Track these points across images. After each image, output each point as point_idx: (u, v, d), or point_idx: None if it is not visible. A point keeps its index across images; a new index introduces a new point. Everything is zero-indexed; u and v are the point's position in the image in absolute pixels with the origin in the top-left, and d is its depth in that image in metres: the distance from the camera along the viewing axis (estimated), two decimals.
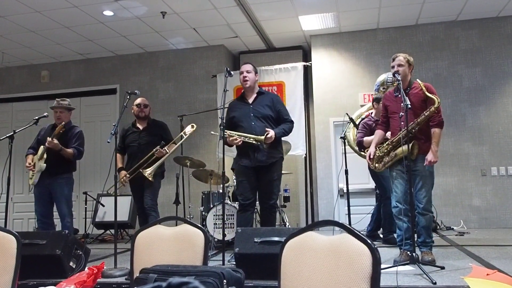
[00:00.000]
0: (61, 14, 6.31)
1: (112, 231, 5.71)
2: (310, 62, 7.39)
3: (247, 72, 4.17)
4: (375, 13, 6.65)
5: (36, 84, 8.52)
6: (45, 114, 4.80)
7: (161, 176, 4.90)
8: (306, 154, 7.26)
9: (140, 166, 4.63)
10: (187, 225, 2.18)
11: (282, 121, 4.14)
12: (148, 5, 6.16)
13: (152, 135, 4.83)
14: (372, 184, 6.01)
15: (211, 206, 5.32)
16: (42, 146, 4.67)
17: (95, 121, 8.22)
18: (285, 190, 6.05)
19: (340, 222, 1.50)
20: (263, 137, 3.90)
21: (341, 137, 3.62)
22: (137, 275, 2.00)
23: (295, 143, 6.90)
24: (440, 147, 6.64)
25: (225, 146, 3.90)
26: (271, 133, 3.92)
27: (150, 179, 4.51)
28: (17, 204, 8.40)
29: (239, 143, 3.94)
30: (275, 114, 4.12)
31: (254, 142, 3.94)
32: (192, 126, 4.90)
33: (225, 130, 3.98)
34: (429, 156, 3.62)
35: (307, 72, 7.50)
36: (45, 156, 4.63)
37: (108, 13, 6.35)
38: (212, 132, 4.26)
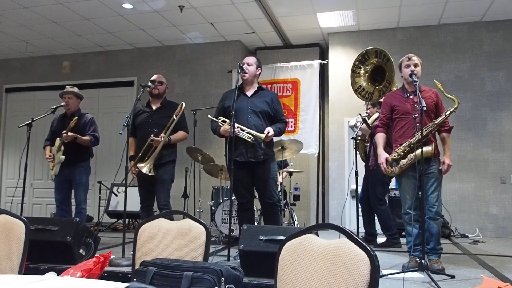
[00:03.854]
0: (82, 6, 6.38)
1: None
2: (327, 60, 7.32)
3: (248, 64, 4.04)
4: (396, 11, 6.53)
5: (58, 74, 8.67)
6: (62, 103, 4.86)
7: (172, 167, 4.44)
8: (319, 153, 7.20)
9: (142, 157, 4.21)
10: (190, 220, 2.18)
11: (277, 121, 4.05)
12: None
13: (164, 117, 4.35)
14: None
15: (221, 201, 5.32)
16: (58, 138, 4.72)
17: (113, 112, 8.32)
18: (296, 189, 6.01)
19: (343, 226, 1.46)
20: (263, 135, 3.82)
21: (352, 138, 3.54)
22: (138, 267, 2.00)
23: (308, 141, 6.86)
24: (458, 152, 6.63)
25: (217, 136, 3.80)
26: (271, 132, 3.85)
27: (149, 174, 4.14)
28: (36, 190, 8.61)
29: (232, 135, 3.73)
30: (273, 112, 4.02)
31: (250, 138, 3.81)
32: (181, 106, 4.38)
33: (225, 120, 3.92)
34: (447, 160, 3.60)
35: (324, 70, 7.43)
36: (62, 147, 4.69)
37: (127, 5, 6.39)
38: (209, 116, 4.18)
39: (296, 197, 6.02)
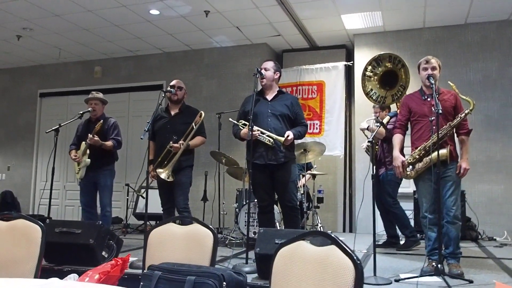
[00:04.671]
0: (111, 13, 6.60)
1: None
2: (352, 62, 7.28)
3: (265, 69, 4.10)
4: (421, 11, 6.43)
5: (90, 79, 8.98)
6: (89, 109, 5.05)
7: (191, 171, 4.52)
8: (345, 154, 7.17)
9: (161, 163, 4.31)
10: (198, 225, 2.25)
11: (298, 124, 4.08)
12: (192, 4, 6.31)
13: (182, 123, 4.39)
14: (412, 188, 5.84)
15: (244, 203, 5.39)
16: (83, 142, 4.90)
17: (142, 115, 8.53)
18: (319, 191, 6.02)
19: (333, 234, 1.50)
20: (283, 139, 3.87)
21: (368, 141, 3.53)
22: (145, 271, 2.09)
23: (333, 143, 6.86)
24: (487, 153, 6.46)
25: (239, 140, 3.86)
26: (291, 135, 3.89)
27: (168, 180, 4.23)
28: (69, 192, 8.93)
29: (253, 138, 3.79)
30: (293, 115, 4.06)
31: (270, 142, 3.88)
32: (200, 115, 4.43)
33: (246, 123, 3.97)
34: (464, 164, 3.54)
35: (350, 72, 7.39)
36: (88, 151, 4.87)
37: (154, 12, 6.57)
38: (230, 119, 4.25)
39: (320, 200, 6.02)
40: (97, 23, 7.01)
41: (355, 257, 1.36)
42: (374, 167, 4.40)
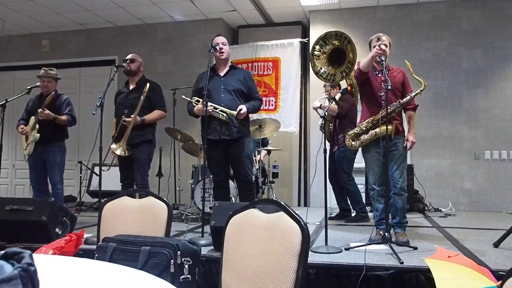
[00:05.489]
0: None
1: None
2: (307, 39, 7.34)
3: (223, 44, 4.09)
4: None
5: (37, 53, 8.58)
6: (38, 83, 4.85)
7: (149, 147, 4.43)
8: (300, 131, 7.29)
9: (118, 139, 4.25)
10: (152, 198, 2.25)
11: (252, 98, 4.12)
12: None
13: (138, 97, 4.30)
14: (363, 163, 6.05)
15: (200, 179, 5.40)
16: (32, 117, 4.73)
17: (94, 91, 8.26)
18: (274, 166, 6.12)
19: (281, 201, 1.54)
20: (235, 112, 3.91)
21: (321, 117, 3.62)
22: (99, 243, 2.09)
23: (288, 119, 6.95)
24: (434, 129, 6.76)
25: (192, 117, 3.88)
26: (244, 109, 3.93)
27: (124, 155, 4.19)
28: (19, 171, 8.60)
29: (206, 114, 3.80)
30: (246, 90, 4.10)
31: (224, 116, 3.91)
32: (146, 86, 4.31)
33: (199, 99, 3.99)
34: (411, 137, 3.70)
35: (306, 49, 7.46)
36: (37, 126, 4.70)
37: None
38: (183, 97, 4.25)
39: (275, 175, 6.13)
40: None
41: (302, 222, 1.42)
42: (329, 144, 4.52)
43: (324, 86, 5.16)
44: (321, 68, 3.83)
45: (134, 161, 4.34)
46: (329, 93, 4.97)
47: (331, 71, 3.77)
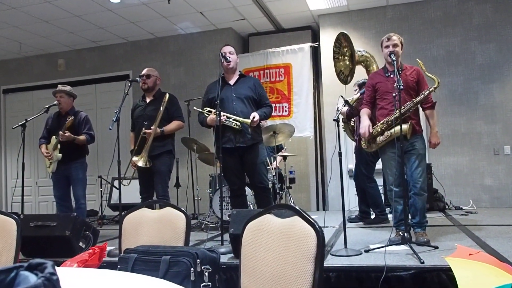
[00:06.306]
0: (70, 2, 6.45)
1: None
2: (317, 43, 7.36)
3: (230, 53, 4.15)
4: None
5: (54, 72, 8.78)
6: (55, 102, 4.98)
7: (169, 158, 4.51)
8: (315, 135, 7.29)
9: (138, 151, 4.35)
10: (171, 208, 2.30)
11: (263, 105, 4.17)
12: None
13: (156, 109, 4.40)
14: (378, 165, 6.02)
15: (217, 188, 5.44)
16: (54, 137, 4.85)
17: (110, 107, 8.41)
18: (290, 172, 6.12)
19: (296, 206, 1.57)
20: (249, 120, 3.95)
21: (334, 120, 3.63)
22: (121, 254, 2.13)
23: (303, 124, 6.96)
24: (451, 126, 6.69)
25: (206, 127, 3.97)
26: (257, 116, 3.97)
27: (146, 166, 4.26)
28: (42, 188, 8.78)
29: (219, 124, 3.84)
30: (257, 97, 4.15)
31: (237, 125, 3.95)
32: (165, 97, 4.43)
33: (211, 110, 4.03)
34: (433, 139, 3.70)
35: (317, 53, 7.48)
36: (58, 146, 4.82)
37: (114, 0, 6.46)
38: (195, 108, 4.30)
39: (292, 180, 6.13)
40: (56, 14, 6.84)
41: (316, 225, 1.44)
42: (354, 142, 4.51)
43: (354, 85, 5.11)
44: (340, 71, 3.88)
45: (155, 173, 4.42)
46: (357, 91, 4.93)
47: (347, 72, 3.82)
